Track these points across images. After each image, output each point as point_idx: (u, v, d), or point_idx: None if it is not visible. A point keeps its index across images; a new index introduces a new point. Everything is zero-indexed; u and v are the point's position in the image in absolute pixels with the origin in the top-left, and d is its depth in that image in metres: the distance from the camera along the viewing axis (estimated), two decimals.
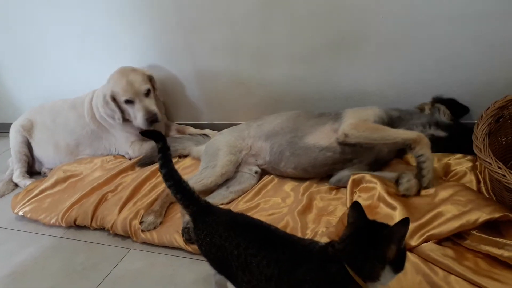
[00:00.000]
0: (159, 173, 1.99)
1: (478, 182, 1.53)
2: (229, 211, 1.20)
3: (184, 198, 1.15)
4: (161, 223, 1.71)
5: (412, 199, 1.47)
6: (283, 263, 0.95)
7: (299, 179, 1.82)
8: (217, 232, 1.08)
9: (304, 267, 0.92)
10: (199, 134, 2.33)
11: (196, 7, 2.16)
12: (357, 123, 1.67)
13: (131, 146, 2.34)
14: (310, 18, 1.97)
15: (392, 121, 1.74)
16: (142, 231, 1.67)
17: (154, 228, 1.68)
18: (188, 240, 1.55)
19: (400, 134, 1.59)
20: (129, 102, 2.18)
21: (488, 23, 1.70)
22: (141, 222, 1.70)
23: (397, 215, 1.37)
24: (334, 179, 1.74)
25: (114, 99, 2.18)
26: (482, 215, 1.23)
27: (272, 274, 0.95)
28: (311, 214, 1.59)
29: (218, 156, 1.84)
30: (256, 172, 1.89)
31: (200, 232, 1.12)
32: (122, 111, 2.22)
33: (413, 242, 1.27)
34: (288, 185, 1.80)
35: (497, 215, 1.23)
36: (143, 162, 2.18)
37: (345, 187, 1.62)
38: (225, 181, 1.84)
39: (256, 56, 2.18)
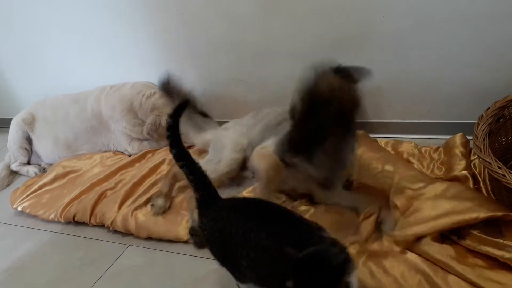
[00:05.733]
0: (158, 171, 2.02)
1: (477, 182, 1.53)
2: (233, 197, 1.22)
3: (197, 180, 1.13)
4: (169, 206, 1.72)
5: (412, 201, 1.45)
6: (279, 235, 0.99)
7: None
8: (220, 215, 1.09)
9: (298, 237, 0.97)
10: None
11: (197, 4, 2.15)
12: None
13: (130, 144, 2.34)
14: (311, 16, 1.97)
15: None
16: (153, 215, 1.69)
17: (163, 212, 1.70)
18: (196, 243, 1.52)
19: None
20: None
21: (489, 24, 1.70)
22: (151, 205, 1.72)
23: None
24: None
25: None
26: (483, 211, 1.23)
27: (268, 245, 0.98)
28: None
29: (223, 153, 1.81)
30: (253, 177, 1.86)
31: (204, 218, 1.12)
32: None
33: (417, 230, 1.28)
34: None
35: (499, 213, 1.22)
36: None
37: None
38: None
39: (257, 53, 2.17)
